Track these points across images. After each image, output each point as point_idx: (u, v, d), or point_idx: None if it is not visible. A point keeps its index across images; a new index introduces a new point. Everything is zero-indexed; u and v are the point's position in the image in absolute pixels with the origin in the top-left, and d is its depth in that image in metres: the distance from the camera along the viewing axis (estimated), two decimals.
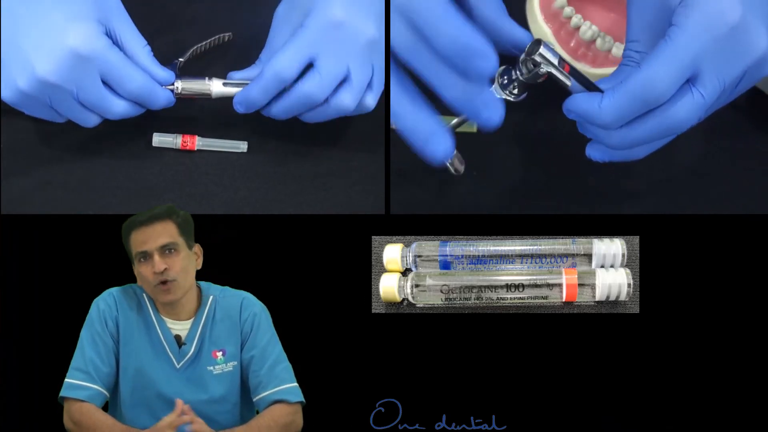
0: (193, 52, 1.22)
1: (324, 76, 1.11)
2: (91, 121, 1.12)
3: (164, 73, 1.13)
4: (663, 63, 0.97)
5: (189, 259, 1.19)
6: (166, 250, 1.17)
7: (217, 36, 1.25)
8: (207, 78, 1.16)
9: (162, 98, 1.13)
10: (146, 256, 1.17)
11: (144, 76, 1.10)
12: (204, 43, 1.24)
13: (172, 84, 1.14)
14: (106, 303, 1.19)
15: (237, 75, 1.16)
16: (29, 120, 1.16)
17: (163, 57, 1.16)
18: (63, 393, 1.17)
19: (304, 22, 1.11)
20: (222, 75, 1.17)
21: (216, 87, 1.16)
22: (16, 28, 1.06)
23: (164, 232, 1.16)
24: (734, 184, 1.15)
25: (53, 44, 1.04)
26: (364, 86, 1.12)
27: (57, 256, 1.35)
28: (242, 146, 1.18)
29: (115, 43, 1.10)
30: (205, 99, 1.16)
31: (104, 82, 1.08)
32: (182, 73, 1.17)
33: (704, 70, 0.98)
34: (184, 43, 1.23)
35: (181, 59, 1.19)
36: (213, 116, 1.20)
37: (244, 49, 1.24)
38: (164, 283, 1.16)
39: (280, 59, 1.11)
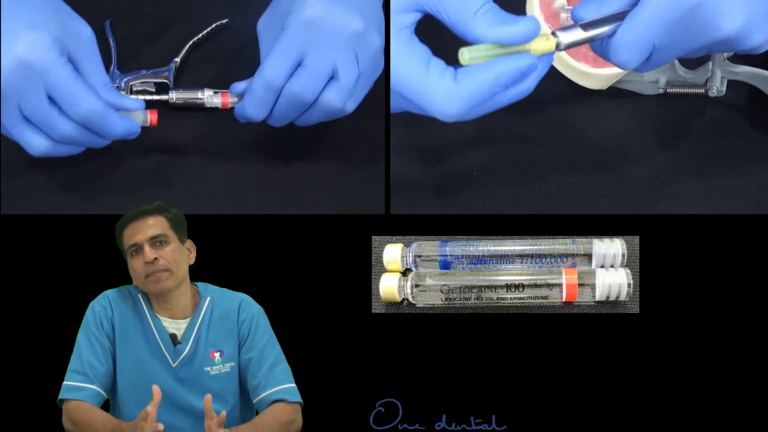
0: (190, 47, 1.23)
1: (312, 71, 1.09)
2: (36, 143, 1.06)
3: (131, 102, 1.09)
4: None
5: (181, 252, 1.20)
6: (157, 241, 1.17)
7: (213, 25, 1.26)
8: (200, 90, 1.17)
9: (119, 127, 1.08)
10: (138, 248, 1.17)
11: (96, 100, 1.05)
12: (199, 36, 1.24)
13: (166, 94, 1.16)
14: (101, 305, 1.20)
15: (239, 86, 1.14)
16: None
17: (162, 56, 1.17)
18: (62, 395, 1.17)
19: (284, 25, 1.10)
20: (221, 81, 1.17)
21: (208, 97, 1.17)
22: None
23: (155, 225, 1.17)
24: (734, 184, 1.15)
25: (3, 50, 1.01)
26: (351, 84, 1.10)
27: (56, 256, 1.35)
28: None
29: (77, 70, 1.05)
30: (198, 109, 1.17)
31: (52, 100, 1.04)
32: (179, 75, 1.19)
33: None
34: (179, 42, 1.24)
35: (176, 59, 1.20)
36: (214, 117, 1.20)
37: (240, 48, 1.24)
38: (154, 273, 1.17)
39: (267, 66, 1.10)
